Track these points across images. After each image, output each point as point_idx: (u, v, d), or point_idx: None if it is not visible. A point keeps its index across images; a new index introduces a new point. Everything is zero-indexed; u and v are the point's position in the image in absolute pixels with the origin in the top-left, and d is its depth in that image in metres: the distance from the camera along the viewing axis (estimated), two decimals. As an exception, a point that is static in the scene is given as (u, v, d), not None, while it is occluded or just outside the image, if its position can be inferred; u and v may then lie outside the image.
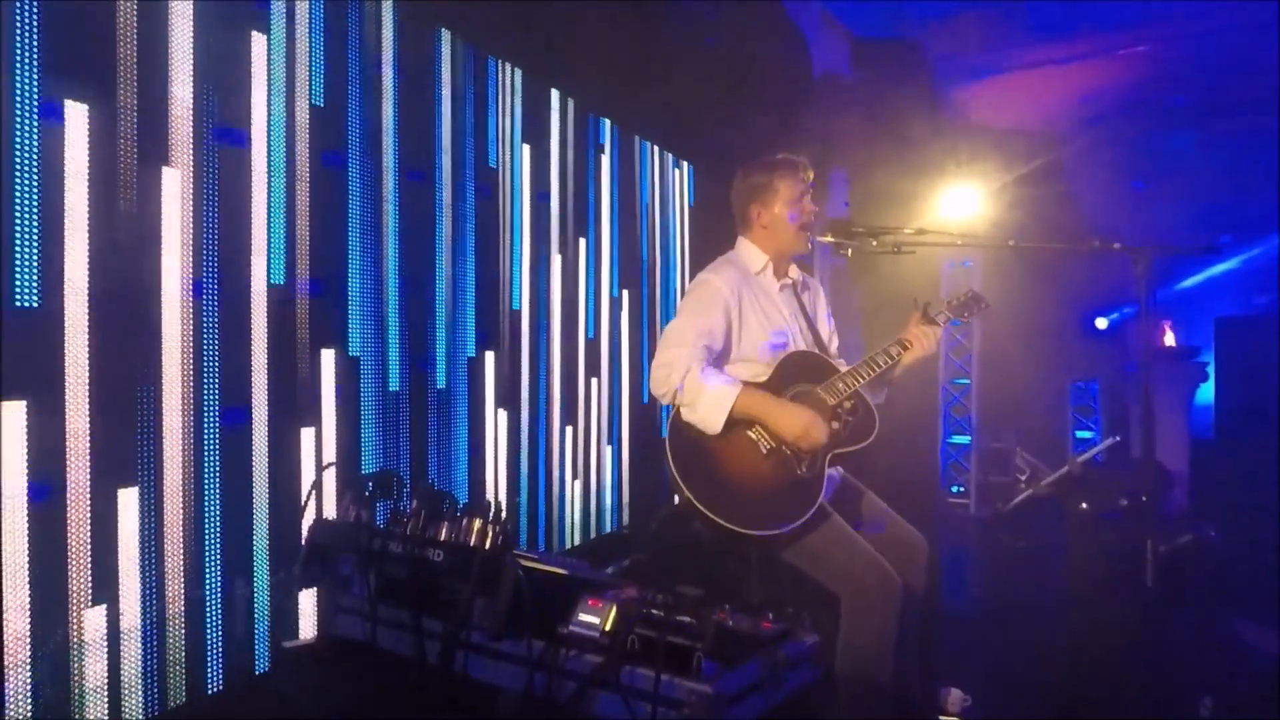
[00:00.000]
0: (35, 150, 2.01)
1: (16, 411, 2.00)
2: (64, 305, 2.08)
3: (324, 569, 2.12)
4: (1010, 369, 7.42)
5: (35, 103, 2.01)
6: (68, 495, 2.10)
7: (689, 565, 2.40)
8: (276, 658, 2.56)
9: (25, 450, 2.01)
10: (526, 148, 3.83)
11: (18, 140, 1.98)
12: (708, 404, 2.22)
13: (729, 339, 2.39)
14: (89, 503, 2.14)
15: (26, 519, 2.01)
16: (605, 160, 4.46)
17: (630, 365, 4.68)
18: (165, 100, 2.32)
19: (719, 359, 2.37)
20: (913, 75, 6.08)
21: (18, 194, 1.98)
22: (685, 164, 5.28)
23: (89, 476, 2.14)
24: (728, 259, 2.56)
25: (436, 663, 1.85)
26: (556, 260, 4.05)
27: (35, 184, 2.02)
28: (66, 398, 2.09)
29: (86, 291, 2.13)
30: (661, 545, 3.56)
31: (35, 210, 2.02)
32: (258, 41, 2.59)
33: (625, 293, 4.66)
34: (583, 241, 4.27)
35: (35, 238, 2.02)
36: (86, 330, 2.13)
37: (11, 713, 1.96)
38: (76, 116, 2.10)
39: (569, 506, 4.16)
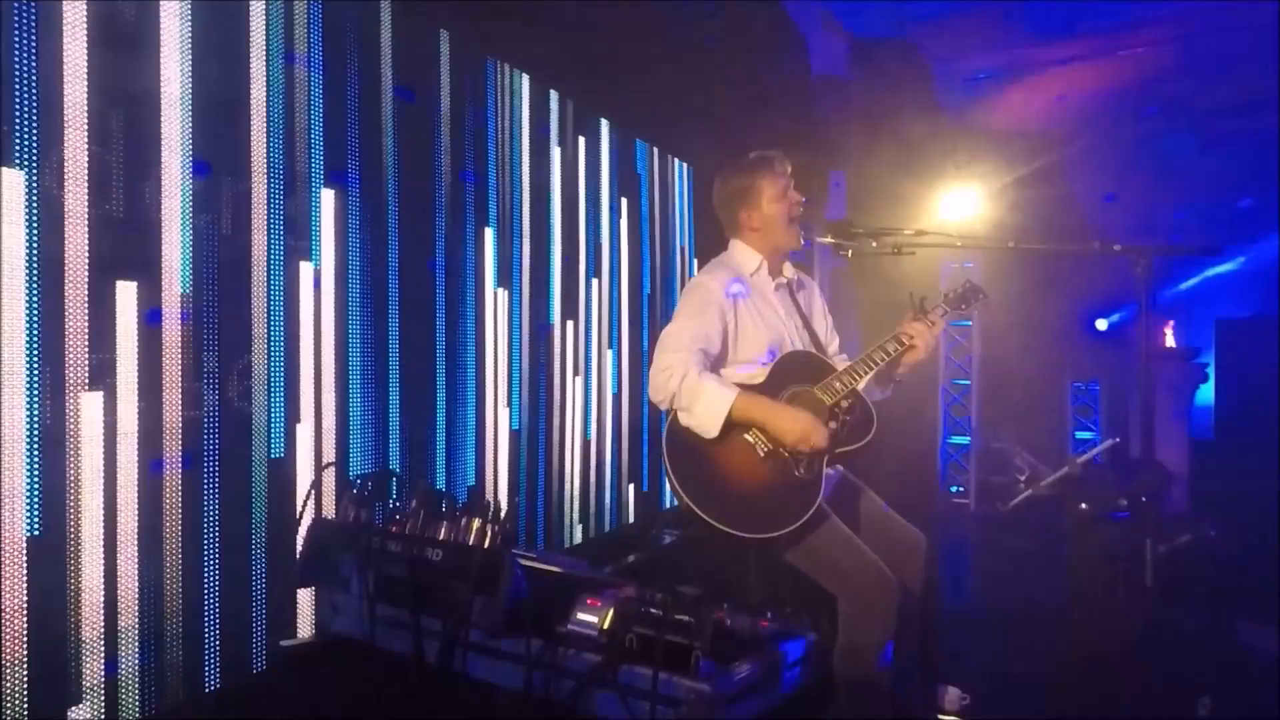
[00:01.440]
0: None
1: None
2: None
3: (323, 568, 2.12)
4: (1010, 370, 7.43)
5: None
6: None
7: (688, 564, 2.40)
8: (274, 656, 2.56)
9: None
10: (526, 149, 3.83)
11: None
12: (705, 408, 2.22)
13: (725, 341, 2.38)
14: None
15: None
16: (605, 160, 4.46)
17: (630, 365, 4.68)
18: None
19: (716, 362, 2.36)
20: (912, 76, 6.09)
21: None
22: (684, 164, 5.28)
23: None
24: (721, 261, 2.55)
25: (435, 661, 1.85)
26: (557, 259, 4.05)
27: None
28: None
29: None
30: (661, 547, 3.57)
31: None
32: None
33: (625, 292, 4.67)
34: (583, 241, 4.27)
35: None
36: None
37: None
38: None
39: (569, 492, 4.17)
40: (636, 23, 4.22)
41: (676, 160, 5.19)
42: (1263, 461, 5.98)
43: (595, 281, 4.38)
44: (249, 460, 2.57)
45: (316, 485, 2.72)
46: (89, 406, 2.15)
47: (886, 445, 2.42)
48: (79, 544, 2.13)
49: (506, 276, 3.70)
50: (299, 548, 2.28)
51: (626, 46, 4.23)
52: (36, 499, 2.04)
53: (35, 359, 2.04)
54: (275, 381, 2.66)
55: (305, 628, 2.73)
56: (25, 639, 2.01)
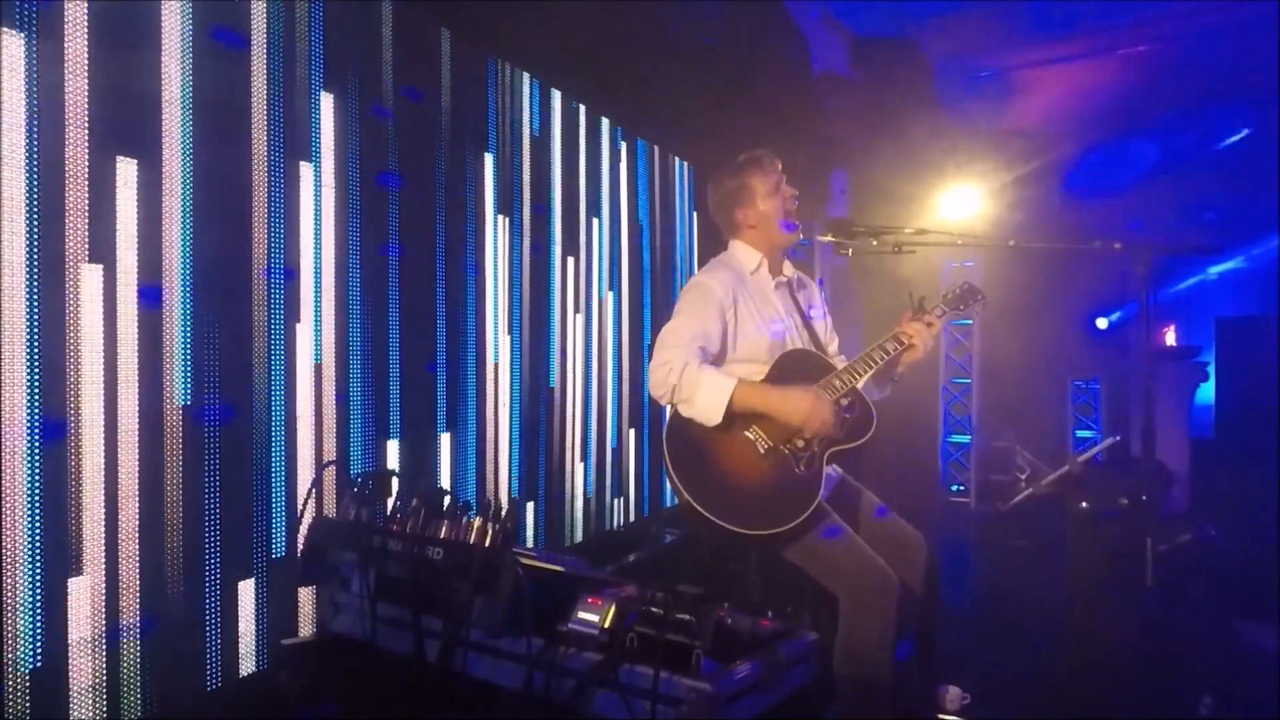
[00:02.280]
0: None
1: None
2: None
3: (323, 567, 2.12)
4: (1011, 368, 7.43)
5: None
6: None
7: (688, 563, 2.40)
8: (275, 655, 2.56)
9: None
10: (527, 149, 3.83)
11: None
12: (706, 395, 2.23)
13: (725, 340, 2.39)
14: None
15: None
16: (606, 160, 4.46)
17: (630, 368, 4.69)
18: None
19: (715, 360, 2.37)
20: (913, 75, 6.10)
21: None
22: (684, 163, 5.28)
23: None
24: (721, 261, 2.56)
25: (436, 661, 1.85)
26: (557, 261, 4.05)
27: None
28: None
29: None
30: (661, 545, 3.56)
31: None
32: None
33: (626, 295, 4.67)
34: (584, 243, 4.27)
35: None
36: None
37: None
38: None
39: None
40: (637, 22, 4.22)
41: (677, 160, 5.19)
42: (1263, 460, 5.98)
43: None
44: (250, 456, 2.57)
45: (317, 484, 2.73)
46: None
47: (887, 445, 2.42)
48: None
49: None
50: (299, 546, 2.28)
51: (627, 45, 4.23)
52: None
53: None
54: (276, 373, 2.66)
55: (306, 627, 2.74)
56: (38, 638, 2.01)
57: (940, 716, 2.57)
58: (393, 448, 3.10)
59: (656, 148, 4.96)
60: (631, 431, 4.74)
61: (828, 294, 2.75)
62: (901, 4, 5.59)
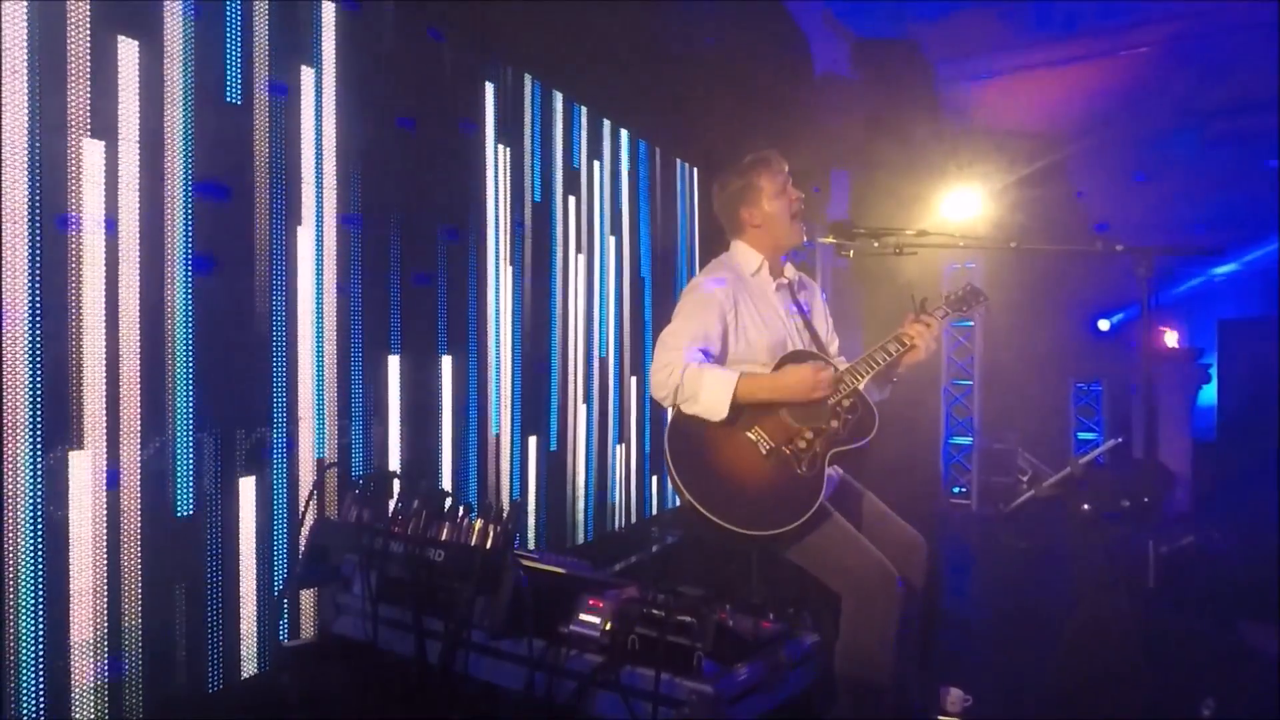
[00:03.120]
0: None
1: None
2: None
3: (325, 568, 2.13)
4: (1012, 370, 7.43)
5: None
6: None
7: (690, 564, 2.40)
8: (277, 657, 2.56)
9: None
10: (527, 150, 3.84)
11: None
12: (710, 392, 2.23)
13: (725, 341, 2.39)
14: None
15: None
16: (607, 161, 4.46)
17: (631, 369, 4.69)
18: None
19: (716, 361, 2.37)
20: (914, 76, 6.09)
21: None
22: (686, 164, 5.28)
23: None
24: (722, 262, 2.57)
25: (437, 662, 1.85)
26: (558, 261, 4.05)
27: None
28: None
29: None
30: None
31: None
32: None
33: (628, 296, 4.67)
34: (583, 244, 4.27)
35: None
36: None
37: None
38: None
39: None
40: (638, 22, 4.23)
41: (678, 160, 5.19)
42: (1265, 462, 5.98)
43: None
44: (253, 454, 2.57)
45: (319, 485, 2.73)
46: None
47: (888, 446, 2.42)
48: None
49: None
50: (301, 548, 2.29)
51: (628, 47, 4.23)
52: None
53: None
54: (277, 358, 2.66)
55: (308, 628, 2.74)
56: (38, 637, 2.01)
57: (941, 717, 2.56)
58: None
59: (658, 149, 4.96)
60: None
61: (828, 295, 2.76)
62: (903, 5, 5.59)
